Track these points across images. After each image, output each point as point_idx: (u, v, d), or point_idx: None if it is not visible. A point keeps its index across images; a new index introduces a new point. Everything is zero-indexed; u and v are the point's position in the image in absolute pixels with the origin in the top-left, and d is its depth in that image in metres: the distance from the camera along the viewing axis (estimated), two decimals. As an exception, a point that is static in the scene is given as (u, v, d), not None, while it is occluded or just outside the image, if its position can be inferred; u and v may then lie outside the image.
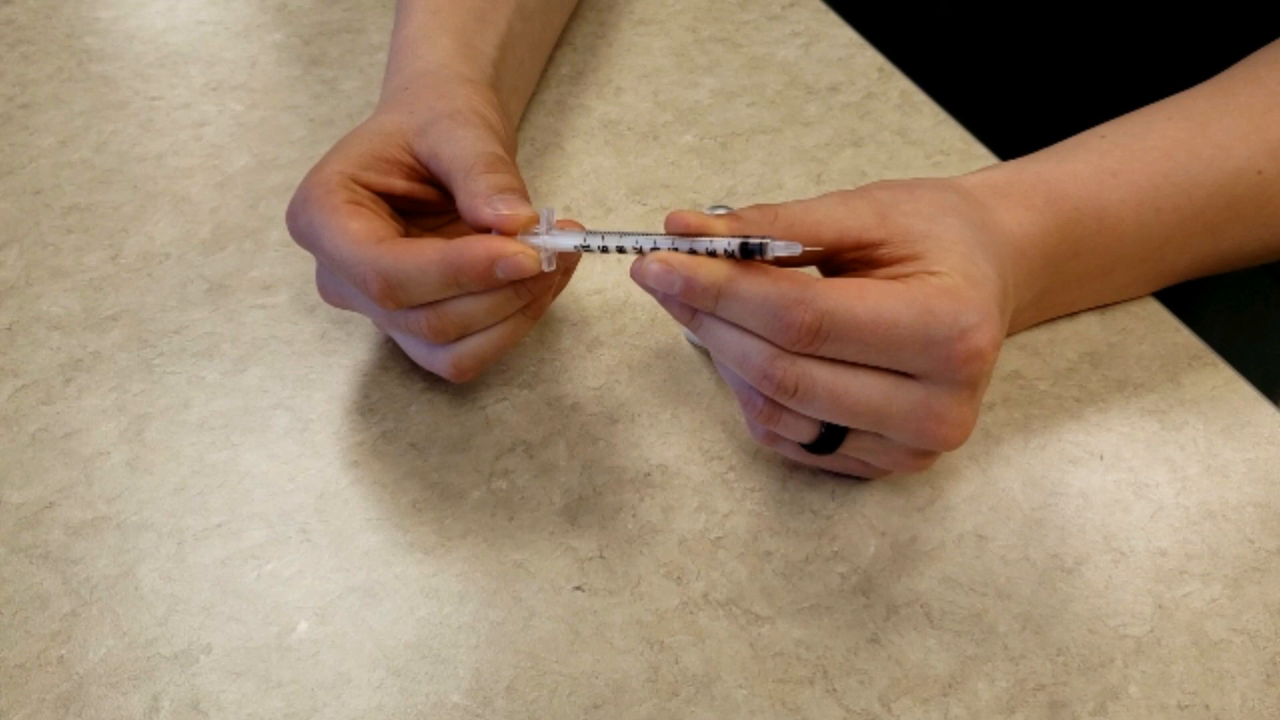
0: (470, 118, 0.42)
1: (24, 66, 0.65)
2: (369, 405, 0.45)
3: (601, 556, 0.40)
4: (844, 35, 0.65)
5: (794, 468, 0.42)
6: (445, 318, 0.39)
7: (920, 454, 0.38)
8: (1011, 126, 0.62)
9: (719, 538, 0.40)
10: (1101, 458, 0.42)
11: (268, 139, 0.59)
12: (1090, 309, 0.48)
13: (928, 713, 0.35)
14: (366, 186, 0.41)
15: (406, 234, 0.42)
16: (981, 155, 0.56)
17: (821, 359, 0.35)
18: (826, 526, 0.40)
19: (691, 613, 0.38)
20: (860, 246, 0.36)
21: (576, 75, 0.63)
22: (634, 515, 0.41)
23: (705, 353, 0.47)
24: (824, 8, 0.67)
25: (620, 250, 0.36)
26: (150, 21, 0.68)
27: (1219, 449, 0.43)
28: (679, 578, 0.39)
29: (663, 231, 0.35)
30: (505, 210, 0.37)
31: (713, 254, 0.34)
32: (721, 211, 0.36)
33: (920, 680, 0.36)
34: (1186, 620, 0.38)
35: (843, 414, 0.35)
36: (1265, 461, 0.42)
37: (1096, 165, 0.43)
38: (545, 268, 0.37)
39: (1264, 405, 0.44)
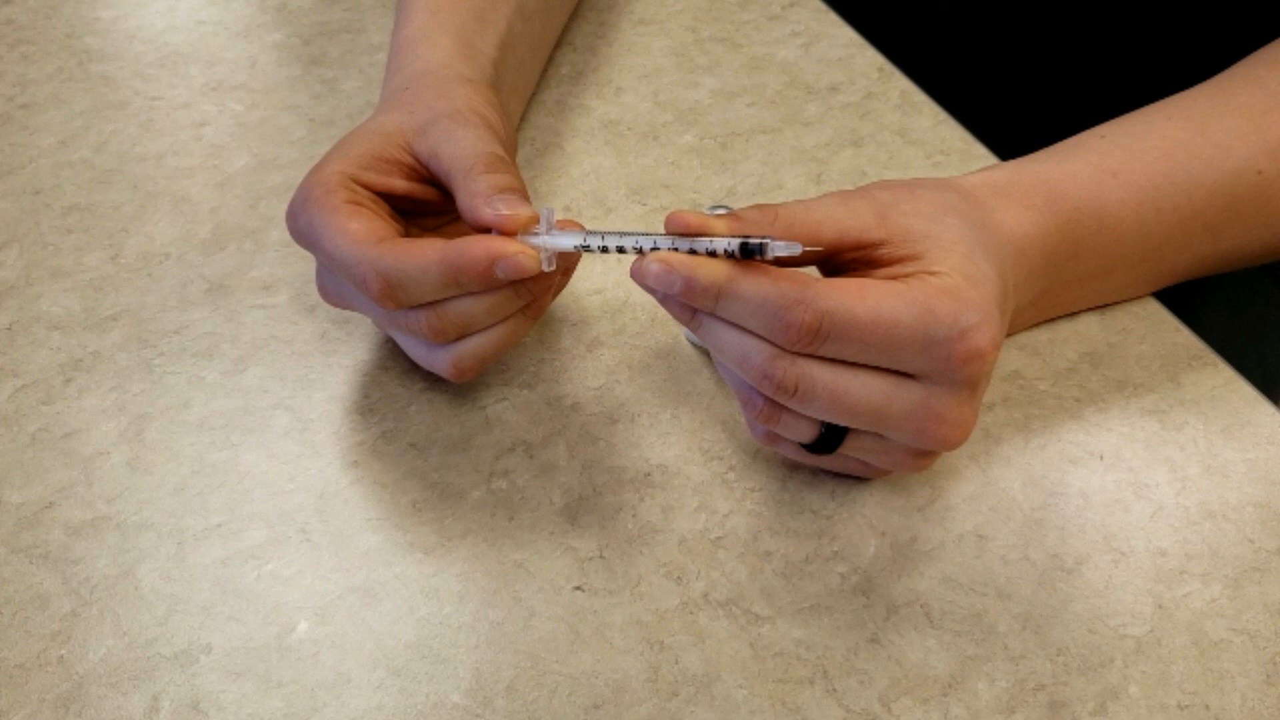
0: (470, 118, 0.42)
1: (24, 66, 0.65)
2: (369, 405, 0.45)
3: (601, 556, 0.40)
4: (844, 35, 0.65)
5: (794, 468, 0.42)
6: (445, 318, 0.39)
7: (920, 454, 0.38)
8: (1011, 126, 0.62)
9: (719, 538, 0.40)
10: (1101, 458, 0.42)
11: (268, 139, 0.59)
12: (1090, 309, 0.48)
13: (928, 713, 0.35)
14: (366, 186, 0.41)
15: (406, 234, 0.42)
16: (981, 155, 0.56)
17: (821, 359, 0.35)
18: (826, 526, 0.40)
19: (691, 613, 0.38)
20: (860, 246, 0.36)
21: (576, 75, 0.63)
22: (634, 515, 0.41)
23: (705, 353, 0.47)
24: (824, 8, 0.67)
25: (620, 250, 0.36)
26: (150, 21, 0.68)
27: (1219, 449, 0.43)
28: (679, 578, 0.39)
29: (663, 231, 0.35)
30: (505, 210, 0.37)
31: (713, 254, 0.34)
32: (721, 211, 0.36)
33: (920, 680, 0.36)
34: (1186, 620, 0.38)
35: (843, 414, 0.35)
36: (1265, 461, 0.42)
37: (1096, 165, 0.43)
38: (545, 268, 0.37)
39: (1264, 405, 0.44)
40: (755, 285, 0.33)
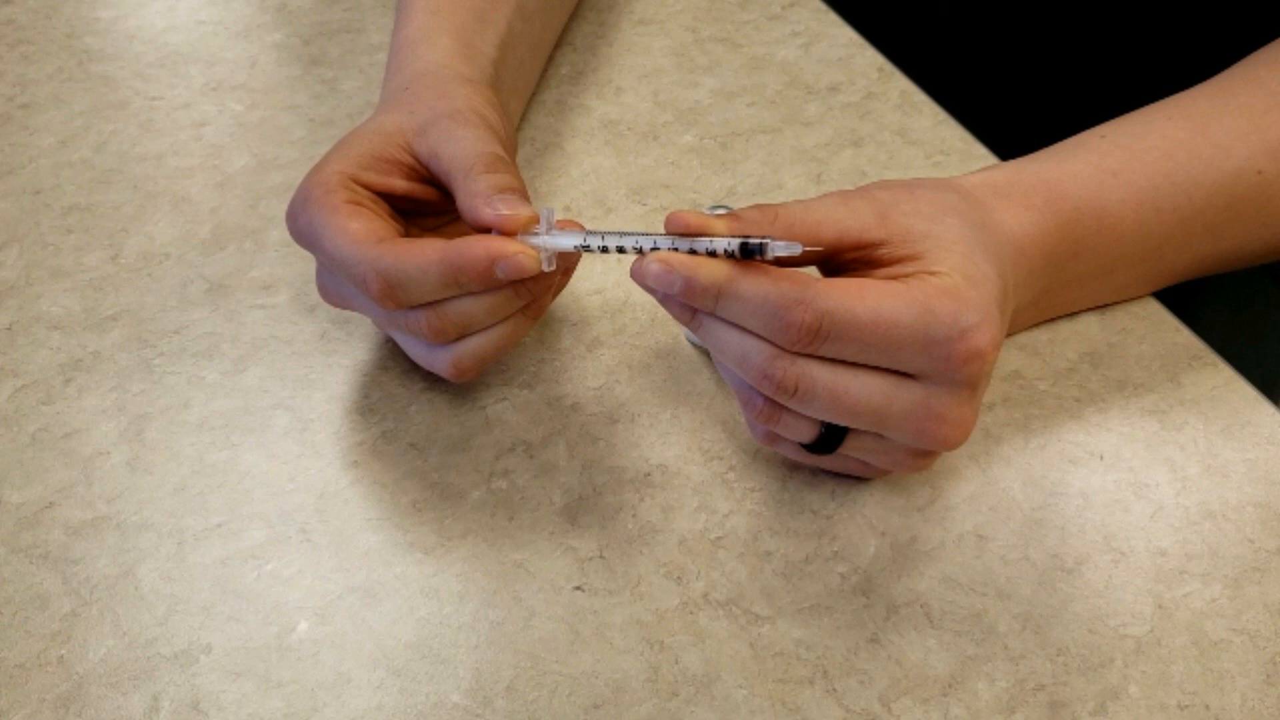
0: (470, 118, 0.42)
1: (24, 66, 0.65)
2: (369, 405, 0.45)
3: (601, 556, 0.40)
4: (844, 35, 0.65)
5: (794, 468, 0.42)
6: (445, 318, 0.39)
7: (920, 454, 0.38)
8: (1011, 126, 0.62)
9: (719, 538, 0.40)
10: (1101, 458, 0.42)
11: (268, 139, 0.59)
12: (1090, 309, 0.48)
13: (928, 713, 0.35)
14: (366, 186, 0.41)
15: (406, 234, 0.42)
16: (981, 155, 0.56)
17: (821, 359, 0.35)
18: (826, 526, 0.40)
19: (691, 613, 0.38)
20: (860, 246, 0.36)
21: (576, 75, 0.63)
22: (634, 515, 0.41)
23: (705, 353, 0.47)
24: (824, 8, 0.67)
25: (620, 250, 0.36)
26: (150, 21, 0.68)
27: (1219, 449, 0.43)
28: (679, 578, 0.39)
29: (663, 231, 0.35)
30: (505, 210, 0.37)
31: (713, 254, 0.34)
32: (721, 211, 0.36)
33: (920, 680, 0.36)
34: (1186, 620, 0.38)
35: (843, 414, 0.35)
36: (1265, 461, 0.42)
37: (1096, 165, 0.43)
38: (545, 268, 0.37)
39: (1264, 405, 0.44)
40: (755, 285, 0.33)
